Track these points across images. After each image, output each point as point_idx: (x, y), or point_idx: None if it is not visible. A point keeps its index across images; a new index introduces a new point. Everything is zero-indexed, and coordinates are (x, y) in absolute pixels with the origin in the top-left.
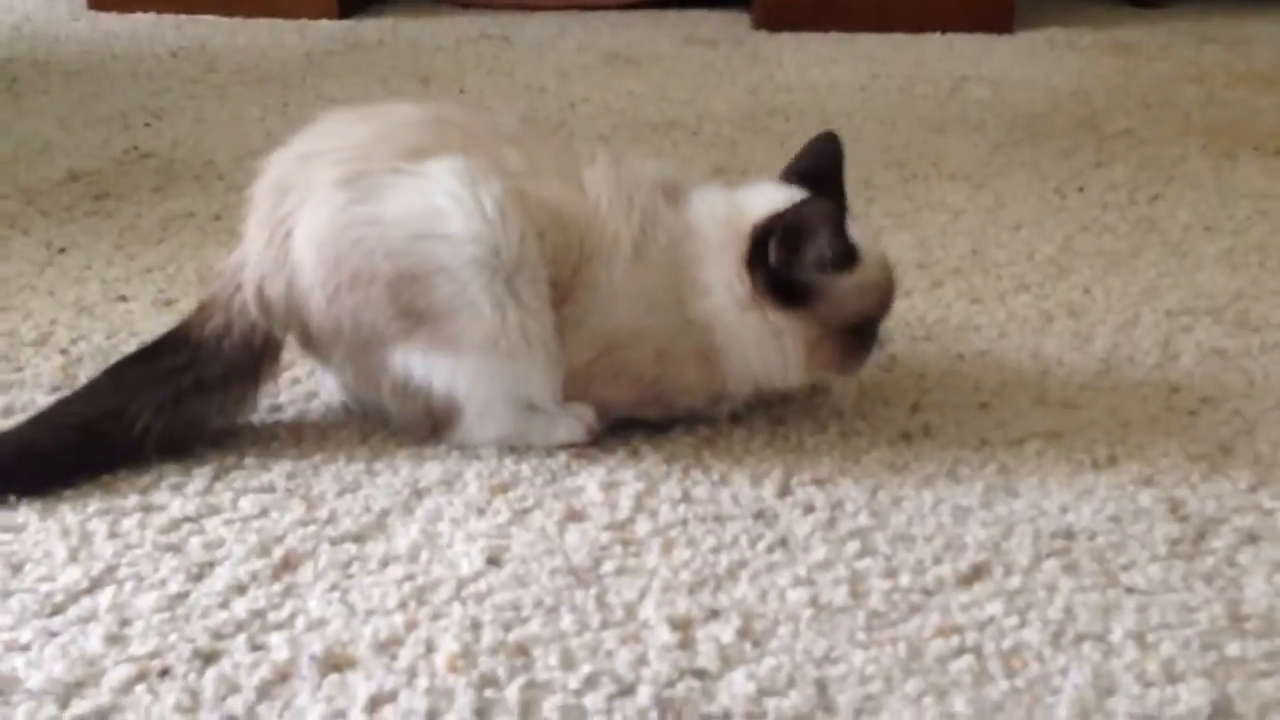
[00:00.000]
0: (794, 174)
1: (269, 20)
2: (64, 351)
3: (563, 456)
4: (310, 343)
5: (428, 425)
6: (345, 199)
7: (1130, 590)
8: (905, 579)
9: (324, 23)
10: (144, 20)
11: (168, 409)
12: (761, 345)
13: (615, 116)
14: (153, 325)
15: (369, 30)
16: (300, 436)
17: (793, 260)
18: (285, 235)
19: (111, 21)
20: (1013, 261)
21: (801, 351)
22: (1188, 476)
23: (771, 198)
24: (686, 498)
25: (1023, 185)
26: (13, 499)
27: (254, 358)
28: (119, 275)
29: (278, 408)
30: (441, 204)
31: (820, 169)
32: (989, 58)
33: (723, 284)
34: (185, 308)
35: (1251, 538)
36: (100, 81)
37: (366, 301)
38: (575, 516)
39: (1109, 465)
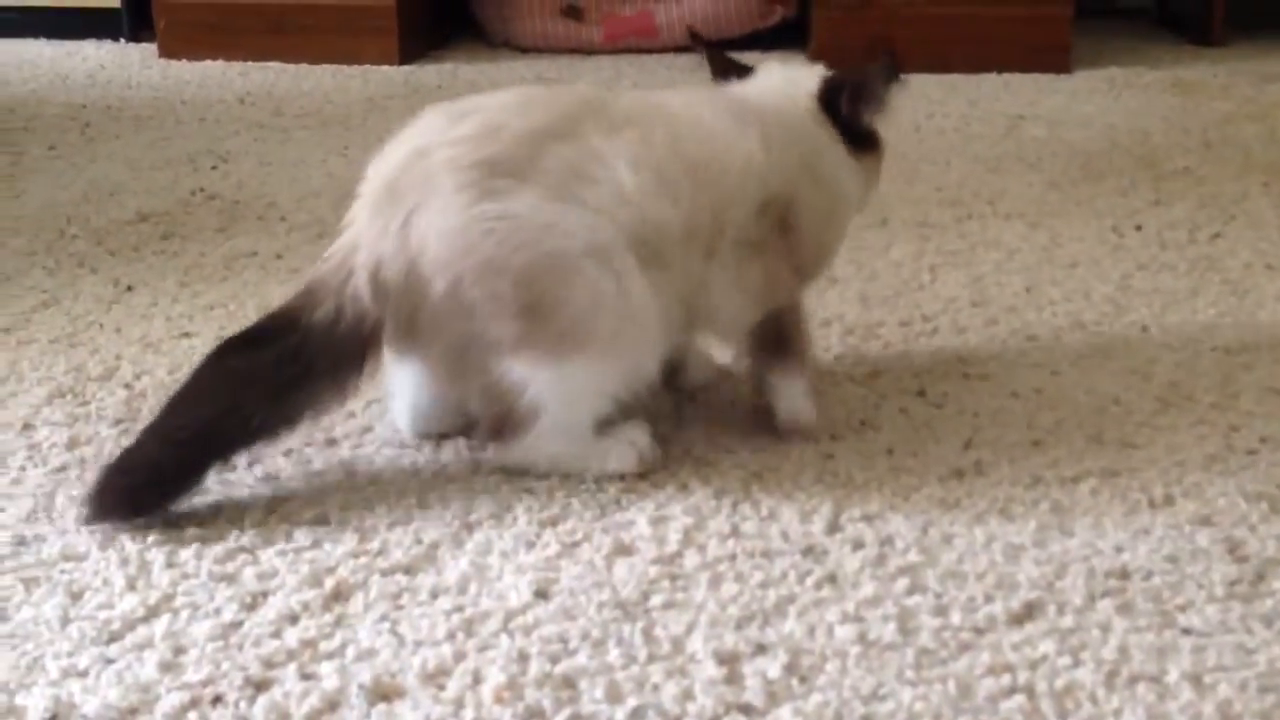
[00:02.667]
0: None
1: (333, 66)
2: (128, 386)
3: (612, 490)
4: (413, 332)
5: (495, 429)
6: (476, 189)
7: (1186, 631)
8: (955, 617)
9: (386, 68)
10: (213, 67)
11: (279, 399)
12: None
13: None
14: None
15: (429, 76)
16: (354, 470)
17: (858, 111)
18: (405, 220)
19: (181, 69)
20: (1069, 299)
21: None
22: (1246, 517)
23: (811, 70)
24: (735, 532)
25: (1079, 224)
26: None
27: (362, 345)
28: (183, 312)
29: (333, 441)
30: (574, 191)
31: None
32: (1046, 97)
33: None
34: None
35: None
36: (169, 126)
37: (491, 295)
38: (623, 550)
39: (1166, 504)
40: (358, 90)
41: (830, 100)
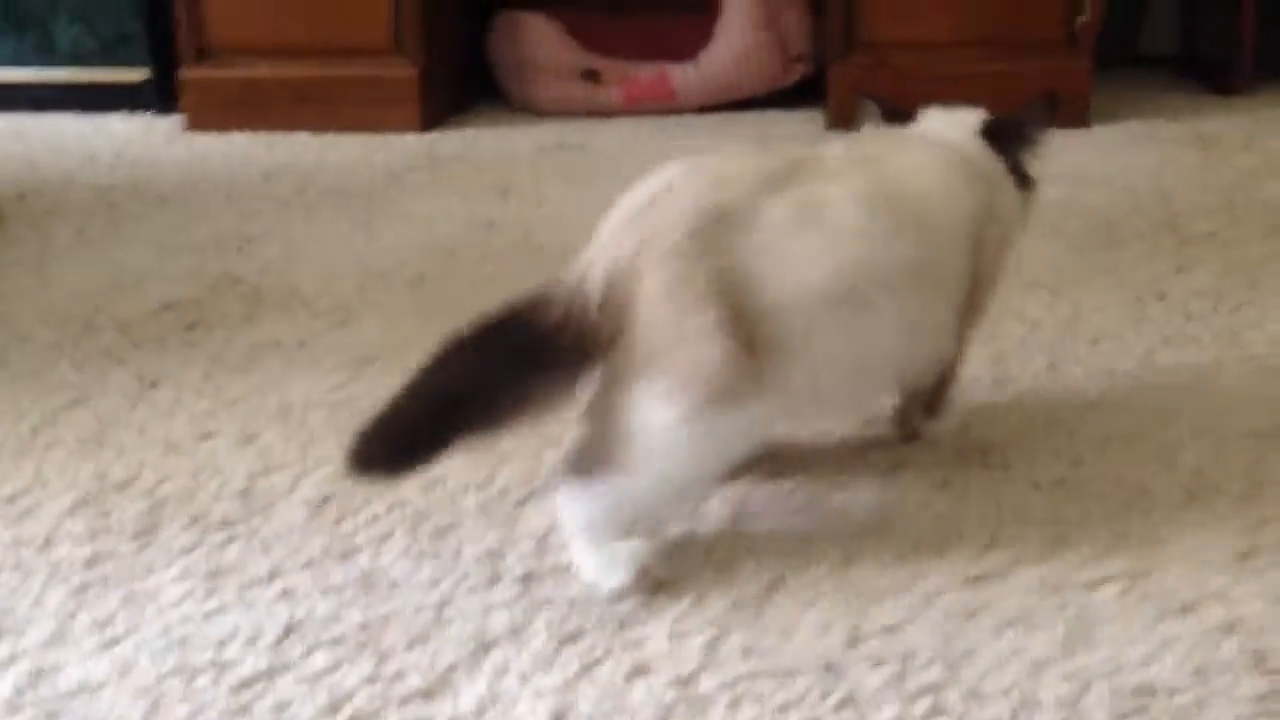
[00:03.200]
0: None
1: (357, 135)
2: (149, 494)
3: (630, 602)
4: (605, 354)
5: (596, 464)
6: (703, 236)
7: None
8: None
9: (408, 137)
10: (239, 140)
11: (512, 391)
12: None
13: None
14: (234, 463)
15: (450, 143)
16: (372, 583)
17: (1022, 149)
18: (636, 250)
19: (208, 143)
20: (1091, 377)
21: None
22: (1274, 623)
23: (970, 113)
24: (754, 649)
25: (1101, 293)
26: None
27: (583, 359)
28: (206, 409)
29: (352, 551)
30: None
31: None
32: (1065, 154)
33: None
34: (266, 442)
35: None
36: (195, 205)
37: (696, 332)
38: (641, 670)
39: (1192, 610)
40: (380, 161)
41: (997, 137)
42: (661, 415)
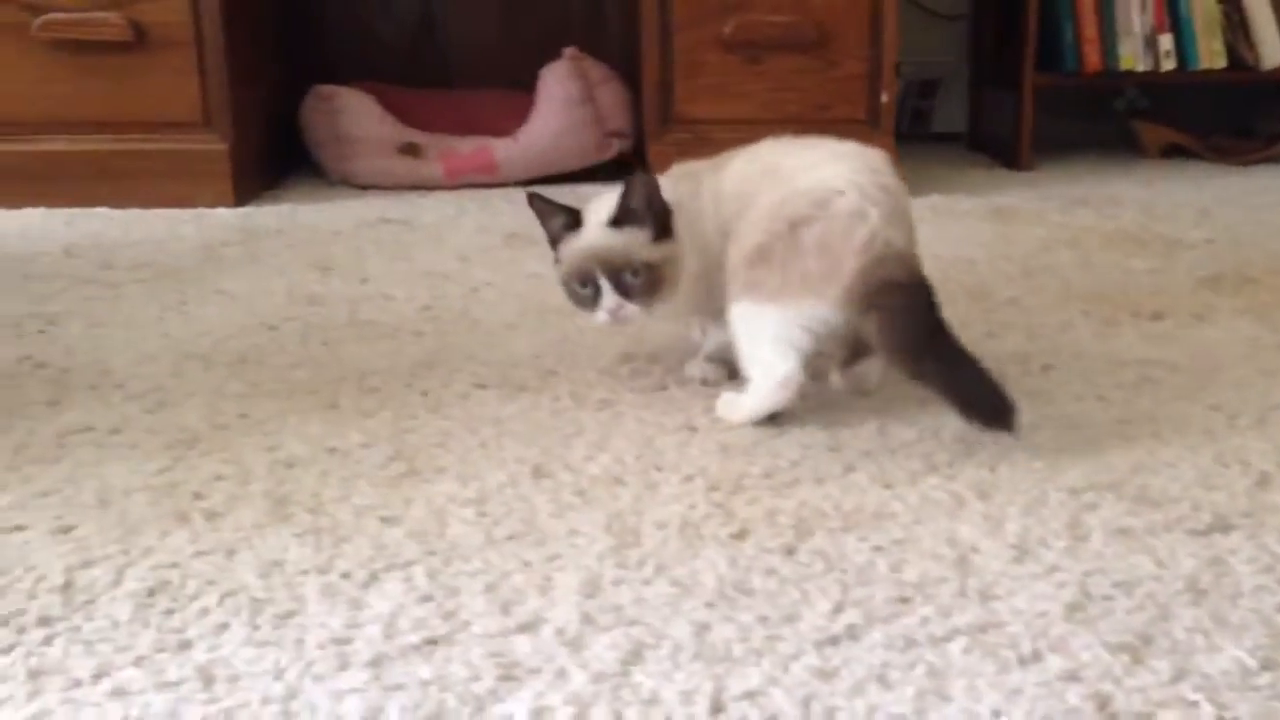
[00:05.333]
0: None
1: (164, 210)
2: None
3: (488, 679)
4: None
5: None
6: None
7: None
8: None
9: (220, 211)
10: (34, 215)
11: None
12: None
13: (519, 300)
14: (49, 557)
15: (266, 218)
16: (211, 676)
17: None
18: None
19: (2, 219)
20: (921, 440)
21: None
22: (1110, 670)
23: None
24: None
25: None
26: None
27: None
28: (13, 502)
29: (187, 644)
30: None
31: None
32: None
33: None
34: (84, 533)
35: None
36: None
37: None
38: None
39: (1034, 660)
40: (191, 236)
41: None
42: None
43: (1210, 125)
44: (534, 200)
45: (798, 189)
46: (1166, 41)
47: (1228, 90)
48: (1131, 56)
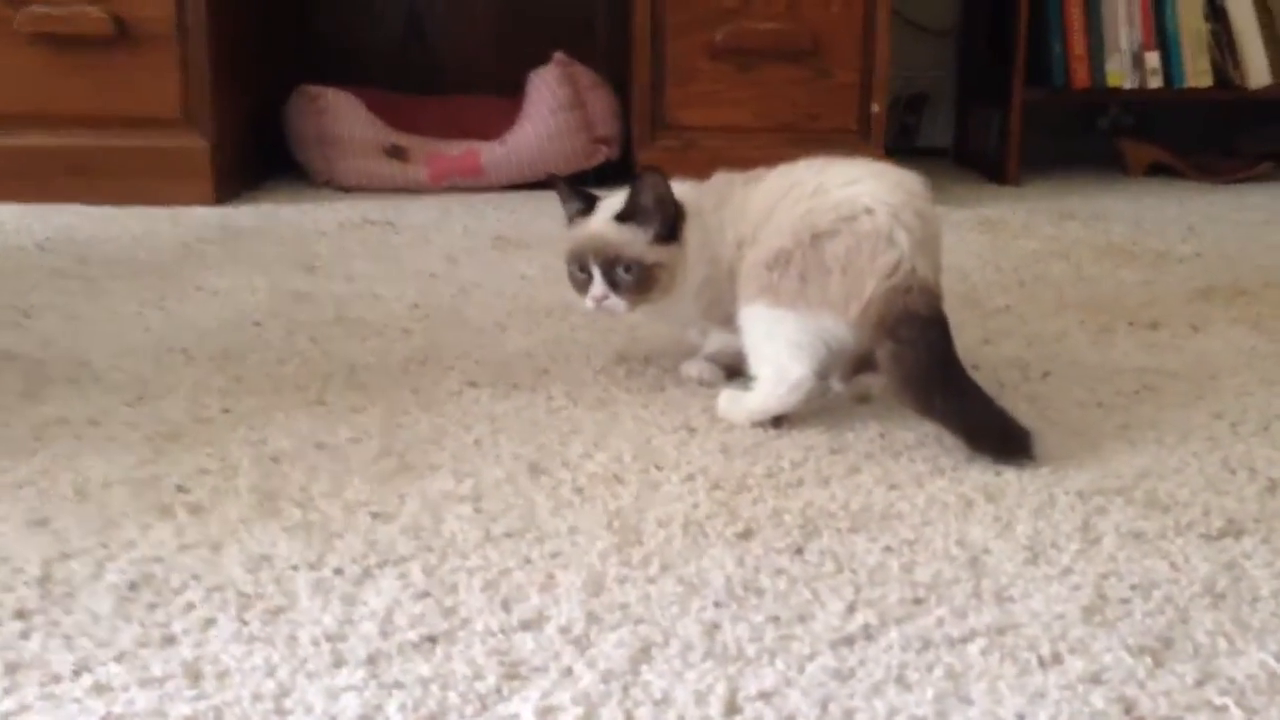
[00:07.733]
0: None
1: (142, 208)
2: None
3: (491, 678)
4: None
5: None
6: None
7: None
8: None
9: (199, 209)
10: (6, 211)
11: None
12: None
13: (510, 301)
14: (26, 549)
15: (247, 217)
16: (198, 672)
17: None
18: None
19: None
20: (924, 444)
21: None
22: (1134, 672)
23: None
24: None
25: None
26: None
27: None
28: None
29: (173, 638)
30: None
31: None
32: None
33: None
34: (61, 526)
35: None
36: None
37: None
38: None
39: (1055, 663)
40: (169, 234)
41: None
42: None
43: (1195, 144)
44: (556, 182)
45: (826, 202)
46: (1154, 59)
47: (1213, 109)
48: (1119, 73)
